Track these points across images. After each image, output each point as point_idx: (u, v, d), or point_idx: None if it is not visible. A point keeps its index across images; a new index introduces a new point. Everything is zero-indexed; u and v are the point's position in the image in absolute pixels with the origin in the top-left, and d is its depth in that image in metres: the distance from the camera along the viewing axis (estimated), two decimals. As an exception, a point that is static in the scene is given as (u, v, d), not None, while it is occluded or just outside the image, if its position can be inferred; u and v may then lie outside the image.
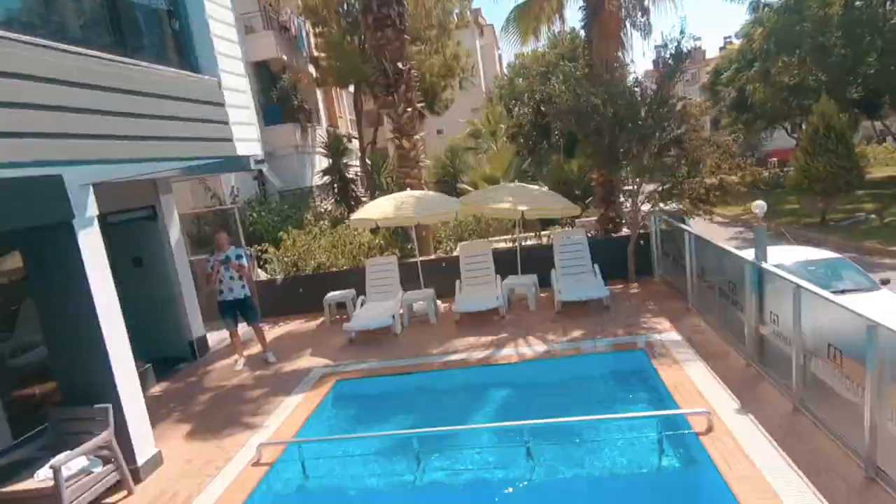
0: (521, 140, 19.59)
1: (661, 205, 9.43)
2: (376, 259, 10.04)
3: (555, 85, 9.80)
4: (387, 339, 8.49)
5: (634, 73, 11.05)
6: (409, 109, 11.13)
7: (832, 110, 19.83)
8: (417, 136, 11.43)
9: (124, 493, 5.03)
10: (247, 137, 5.68)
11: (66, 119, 3.81)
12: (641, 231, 9.79)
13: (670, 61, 8.93)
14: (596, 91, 8.80)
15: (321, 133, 20.07)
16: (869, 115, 27.84)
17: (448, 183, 21.07)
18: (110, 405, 4.97)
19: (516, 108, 18.16)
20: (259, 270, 11.25)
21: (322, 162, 18.77)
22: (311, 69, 20.49)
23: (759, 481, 3.94)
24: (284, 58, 18.33)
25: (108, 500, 4.96)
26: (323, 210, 15.96)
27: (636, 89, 9.18)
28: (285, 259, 11.12)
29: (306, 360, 8.04)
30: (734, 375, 5.68)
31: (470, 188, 18.50)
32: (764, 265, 5.44)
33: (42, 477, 4.49)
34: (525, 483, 4.77)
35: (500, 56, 43.50)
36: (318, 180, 19.18)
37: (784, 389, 5.08)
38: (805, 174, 19.02)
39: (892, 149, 31.76)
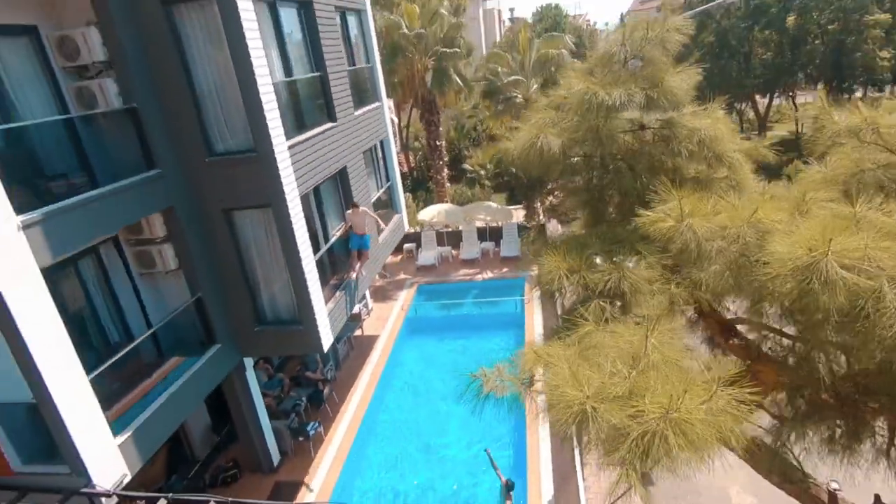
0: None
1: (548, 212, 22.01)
2: (426, 229, 22.69)
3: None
4: (432, 268, 21.42)
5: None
6: (438, 121, 23.57)
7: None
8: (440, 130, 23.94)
9: (367, 316, 18.24)
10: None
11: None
12: (543, 222, 22.40)
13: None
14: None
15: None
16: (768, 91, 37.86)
17: (456, 156, 33.02)
18: (365, 293, 18.02)
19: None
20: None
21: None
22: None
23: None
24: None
25: (364, 318, 18.18)
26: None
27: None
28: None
29: (402, 276, 21.06)
30: (545, 288, 18.71)
31: (471, 167, 30.74)
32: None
33: (357, 309, 17.59)
34: (477, 309, 18.07)
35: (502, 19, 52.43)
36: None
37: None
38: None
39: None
